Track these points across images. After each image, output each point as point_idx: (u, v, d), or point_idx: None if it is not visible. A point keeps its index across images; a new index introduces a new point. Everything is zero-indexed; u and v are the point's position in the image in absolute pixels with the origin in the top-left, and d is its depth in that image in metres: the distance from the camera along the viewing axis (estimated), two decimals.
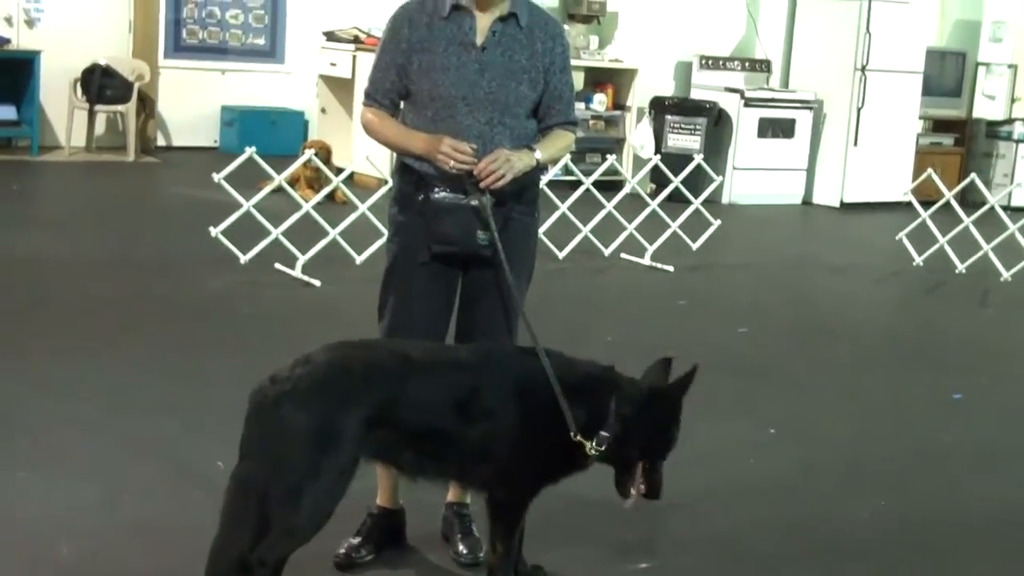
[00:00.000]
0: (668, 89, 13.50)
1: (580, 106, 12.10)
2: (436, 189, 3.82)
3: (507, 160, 3.76)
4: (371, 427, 3.31)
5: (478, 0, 3.84)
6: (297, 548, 3.32)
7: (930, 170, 10.29)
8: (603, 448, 3.46)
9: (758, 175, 13.05)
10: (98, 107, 12.42)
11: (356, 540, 3.98)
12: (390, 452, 3.45)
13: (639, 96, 13.11)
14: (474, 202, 3.77)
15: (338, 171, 9.24)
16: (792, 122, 13.19)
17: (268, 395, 3.28)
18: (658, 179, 11.13)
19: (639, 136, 12.81)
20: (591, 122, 12.84)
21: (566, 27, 11.91)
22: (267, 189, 8.18)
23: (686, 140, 12.70)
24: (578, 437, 3.43)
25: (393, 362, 3.45)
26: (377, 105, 3.97)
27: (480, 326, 3.98)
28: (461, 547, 4.04)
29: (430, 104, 3.87)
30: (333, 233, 8.12)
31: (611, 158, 9.83)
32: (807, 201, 13.45)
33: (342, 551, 3.93)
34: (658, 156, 10.68)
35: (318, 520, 3.29)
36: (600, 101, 13.02)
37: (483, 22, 3.86)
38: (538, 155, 3.89)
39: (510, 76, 3.86)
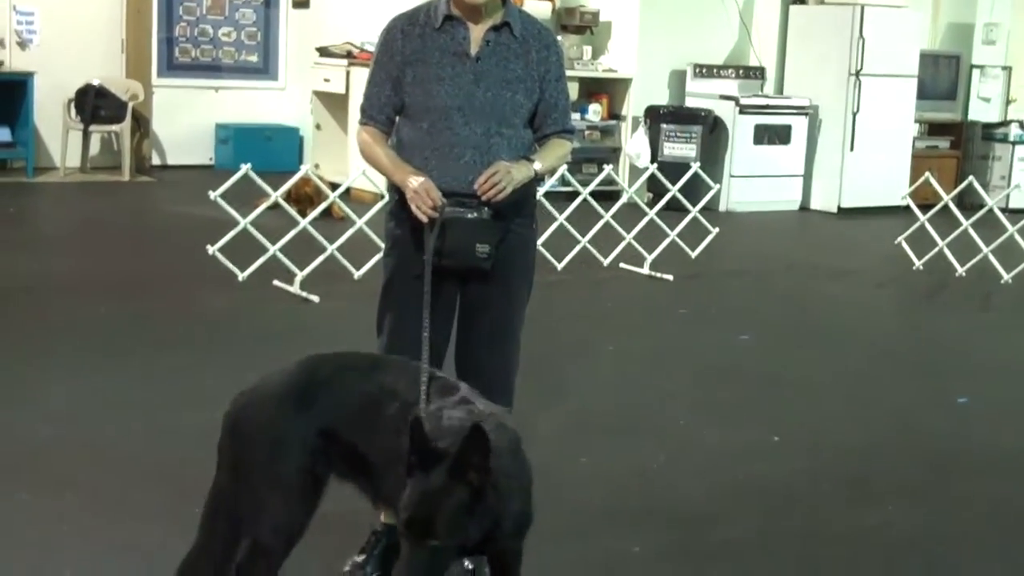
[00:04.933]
0: (663, 98, 13.47)
1: (575, 116, 12.05)
2: None
3: (507, 172, 3.73)
4: (327, 439, 3.20)
5: (469, 11, 3.81)
6: (275, 568, 3.22)
7: (928, 173, 10.27)
8: None
9: (755, 182, 13.03)
10: (92, 127, 12.43)
11: (360, 558, 3.94)
12: (341, 465, 3.27)
13: (634, 105, 13.09)
14: (472, 215, 3.74)
15: (334, 186, 9.22)
16: (788, 128, 13.17)
17: (234, 405, 3.29)
18: (655, 188, 11.11)
19: (635, 145, 12.80)
20: (587, 132, 12.84)
21: (559, 38, 11.94)
22: (263, 206, 8.14)
23: (682, 148, 12.68)
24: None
25: (353, 373, 3.34)
26: (373, 123, 3.92)
27: (479, 340, 3.95)
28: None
29: (425, 116, 3.84)
30: (331, 248, 8.09)
31: (608, 168, 9.79)
32: (805, 207, 13.43)
33: (346, 569, 3.90)
34: (654, 165, 10.66)
35: (285, 535, 3.19)
36: (595, 111, 13.02)
37: (477, 32, 3.84)
38: (536, 166, 3.86)
39: (505, 85, 3.83)
